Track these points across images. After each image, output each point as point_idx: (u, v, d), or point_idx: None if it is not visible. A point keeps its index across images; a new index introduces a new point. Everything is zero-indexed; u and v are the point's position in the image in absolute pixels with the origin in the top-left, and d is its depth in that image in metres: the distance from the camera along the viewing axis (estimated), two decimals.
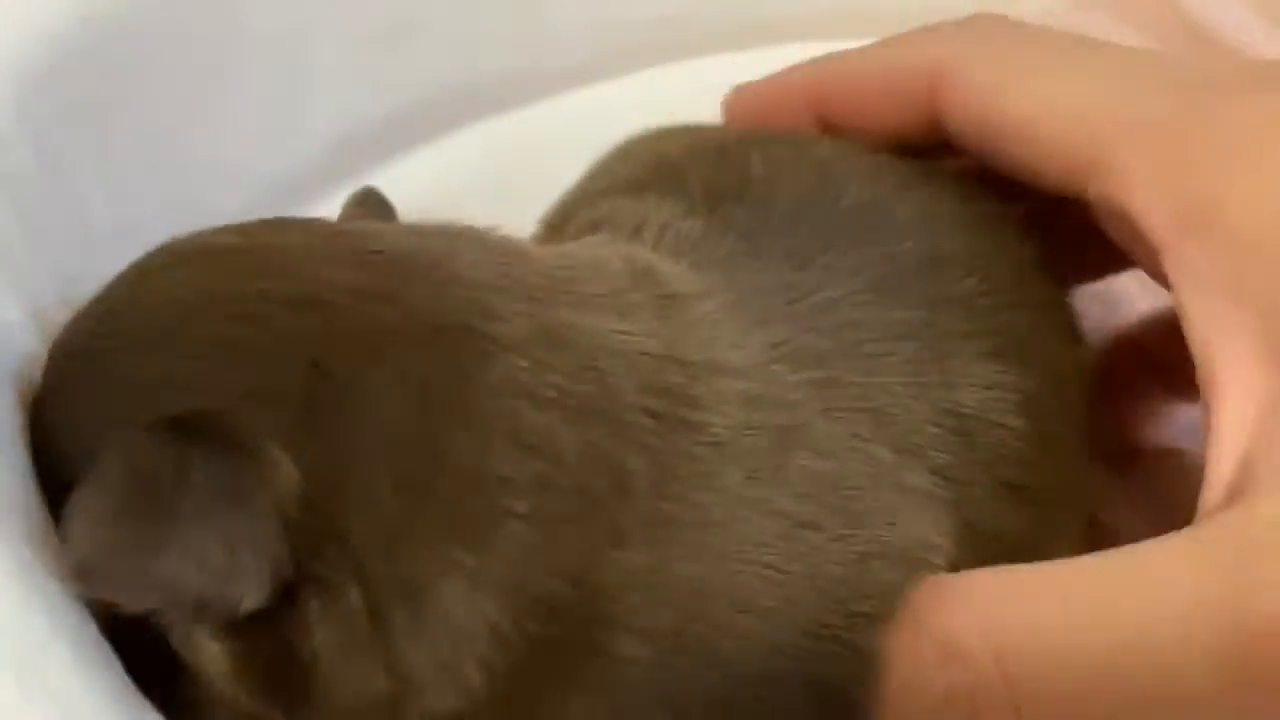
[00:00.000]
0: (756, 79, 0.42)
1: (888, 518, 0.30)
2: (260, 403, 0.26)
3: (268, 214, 0.47)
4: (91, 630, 0.29)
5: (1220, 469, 0.28)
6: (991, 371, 0.33)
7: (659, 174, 0.38)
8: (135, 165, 0.41)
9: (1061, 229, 0.36)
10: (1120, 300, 0.46)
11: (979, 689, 0.27)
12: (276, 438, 0.25)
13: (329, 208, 0.51)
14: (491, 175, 0.54)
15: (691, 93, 0.56)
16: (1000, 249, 0.36)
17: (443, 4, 0.52)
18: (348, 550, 0.26)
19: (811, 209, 0.35)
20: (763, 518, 0.28)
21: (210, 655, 0.27)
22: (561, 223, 0.42)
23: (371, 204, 0.36)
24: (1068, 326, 0.38)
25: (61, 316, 0.35)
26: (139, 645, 0.28)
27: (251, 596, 0.25)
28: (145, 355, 0.27)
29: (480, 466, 0.26)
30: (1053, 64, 0.35)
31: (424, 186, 0.52)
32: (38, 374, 0.32)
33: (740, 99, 0.41)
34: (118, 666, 0.29)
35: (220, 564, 0.24)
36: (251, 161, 0.47)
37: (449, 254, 0.29)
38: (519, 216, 0.44)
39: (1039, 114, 0.34)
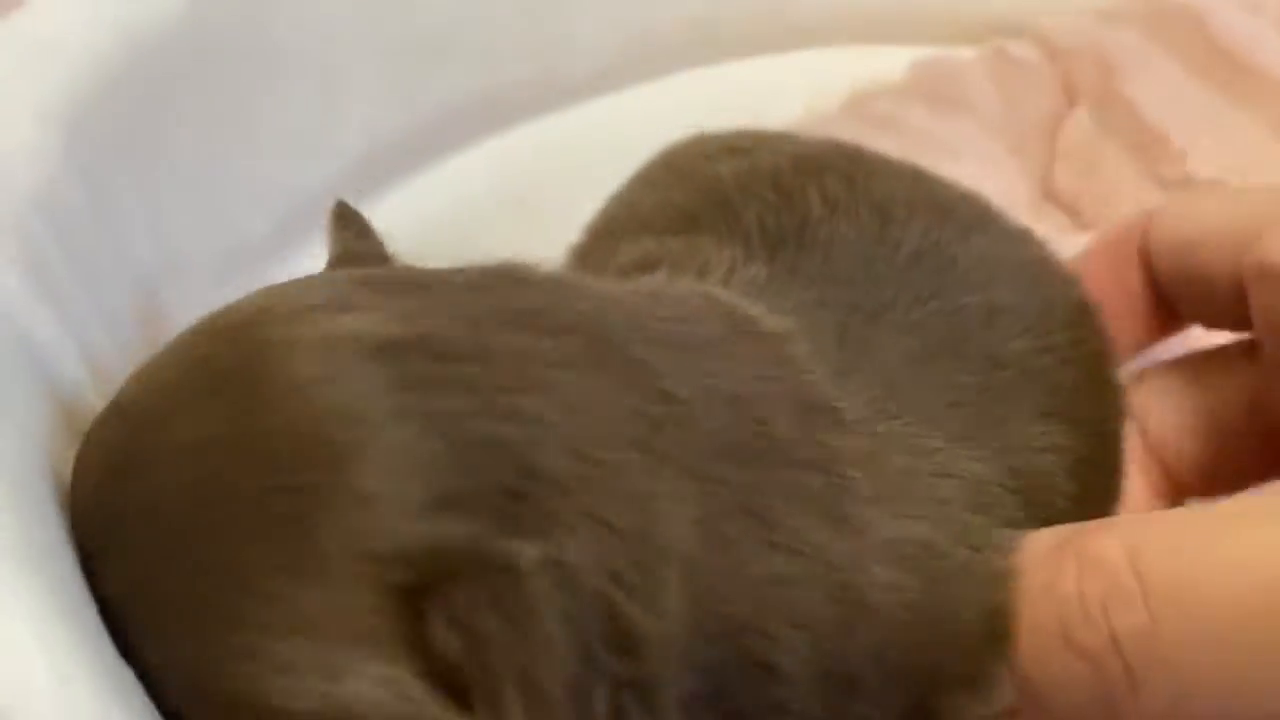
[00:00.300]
0: None
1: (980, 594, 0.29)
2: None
3: (298, 231, 0.47)
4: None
5: None
6: (1043, 434, 0.33)
7: (711, 207, 0.37)
8: (175, 193, 0.39)
9: None
10: None
11: (1113, 590, 0.27)
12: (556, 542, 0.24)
13: None
14: (518, 183, 0.53)
15: (718, 97, 0.56)
16: (1054, 299, 0.36)
17: (467, 15, 0.51)
18: (651, 643, 0.24)
19: (873, 258, 0.34)
20: (882, 594, 0.28)
21: None
22: (608, 236, 0.41)
23: (353, 223, 0.33)
24: (1112, 377, 0.38)
25: (109, 357, 0.35)
26: None
27: None
28: (376, 508, 0.23)
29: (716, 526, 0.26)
30: (1224, 193, 0.43)
31: (451, 196, 0.52)
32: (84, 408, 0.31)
33: None
34: None
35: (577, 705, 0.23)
36: (283, 179, 0.45)
37: (585, 308, 0.27)
38: (547, 223, 0.43)
39: (1213, 219, 0.38)
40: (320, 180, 0.47)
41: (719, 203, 0.37)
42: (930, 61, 0.58)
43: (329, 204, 0.48)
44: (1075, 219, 0.53)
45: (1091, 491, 0.34)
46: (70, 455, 0.30)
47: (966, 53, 0.58)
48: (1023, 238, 0.38)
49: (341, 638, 0.23)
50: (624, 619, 0.24)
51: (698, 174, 0.39)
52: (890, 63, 0.58)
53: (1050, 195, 0.54)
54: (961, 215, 0.37)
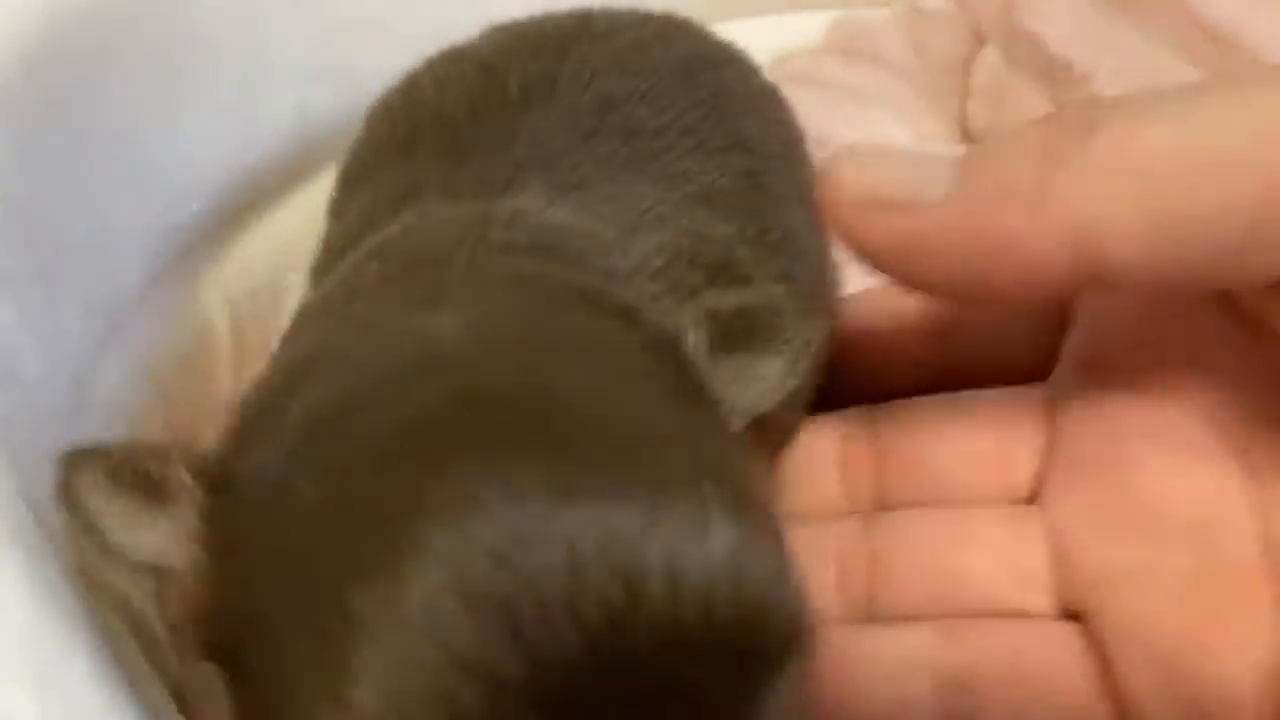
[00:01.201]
0: None
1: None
2: None
3: (231, 215, 0.48)
4: (109, 649, 0.28)
5: None
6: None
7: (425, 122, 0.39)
8: (107, 169, 0.40)
9: None
10: None
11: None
12: None
13: (289, 205, 0.51)
14: None
15: None
16: (654, 72, 0.39)
17: None
18: None
19: (485, 110, 0.37)
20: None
21: None
22: (353, 183, 0.42)
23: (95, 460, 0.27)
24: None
25: (44, 316, 0.36)
26: None
27: None
28: None
29: None
30: None
31: None
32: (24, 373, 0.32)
33: None
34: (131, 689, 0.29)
35: None
36: (213, 161, 0.46)
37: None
38: None
39: None
40: (254, 160, 0.48)
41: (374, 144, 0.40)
42: (845, 20, 0.60)
43: (263, 186, 0.49)
44: None
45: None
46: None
47: (881, 13, 0.60)
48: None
49: None
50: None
51: (413, 93, 0.42)
52: (810, 27, 0.60)
53: (966, 134, 0.56)
54: (563, 35, 0.40)
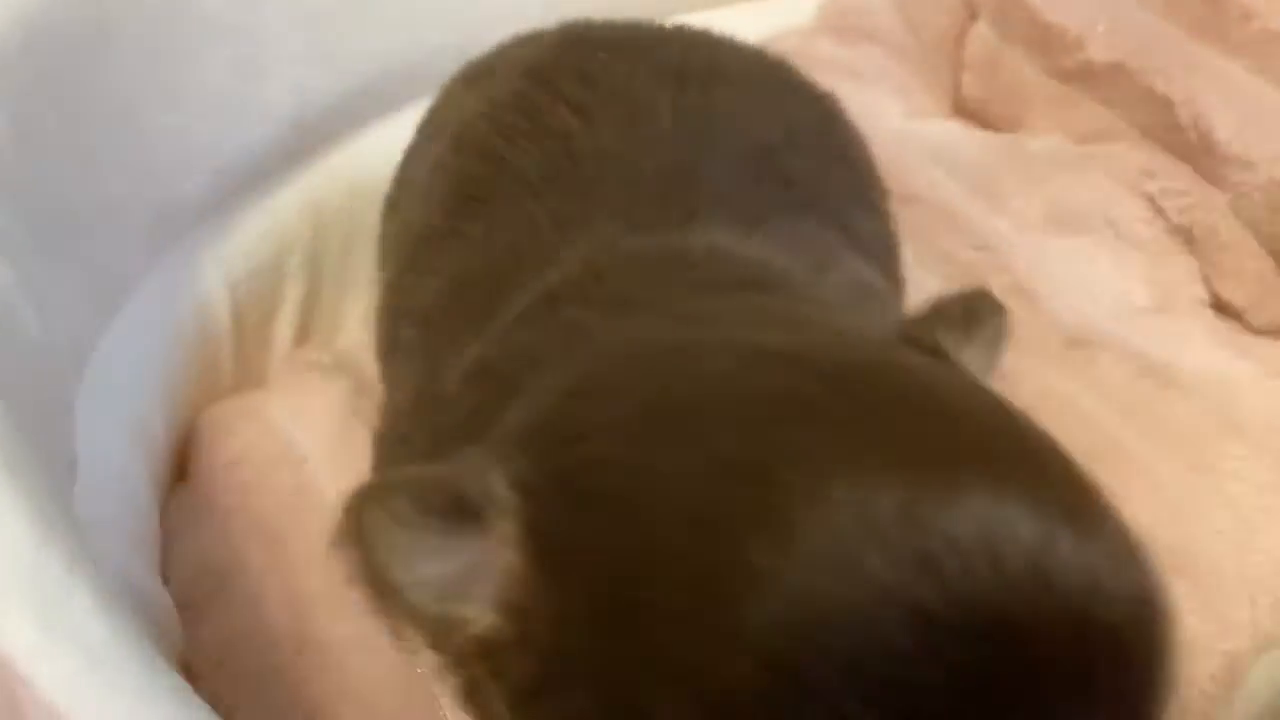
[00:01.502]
0: None
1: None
2: None
3: (229, 195, 0.48)
4: (109, 582, 0.29)
5: None
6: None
7: (492, 170, 0.38)
8: (104, 143, 0.41)
9: None
10: None
11: None
12: None
13: (290, 188, 0.51)
14: None
15: None
16: (793, 122, 0.40)
17: None
18: None
19: (643, 143, 0.36)
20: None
21: None
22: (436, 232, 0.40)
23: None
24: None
25: (42, 277, 0.36)
26: None
27: None
28: None
29: None
30: None
31: (381, 161, 0.52)
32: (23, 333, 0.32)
33: None
34: (133, 618, 0.29)
35: None
36: (212, 140, 0.47)
37: None
38: None
39: None
40: (251, 142, 0.48)
41: (497, 163, 0.38)
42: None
43: (263, 165, 0.49)
44: (984, 123, 0.55)
45: None
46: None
47: None
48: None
49: None
50: None
51: (545, 120, 0.39)
52: (800, 9, 0.61)
53: (960, 107, 0.56)
54: (667, 93, 0.38)
